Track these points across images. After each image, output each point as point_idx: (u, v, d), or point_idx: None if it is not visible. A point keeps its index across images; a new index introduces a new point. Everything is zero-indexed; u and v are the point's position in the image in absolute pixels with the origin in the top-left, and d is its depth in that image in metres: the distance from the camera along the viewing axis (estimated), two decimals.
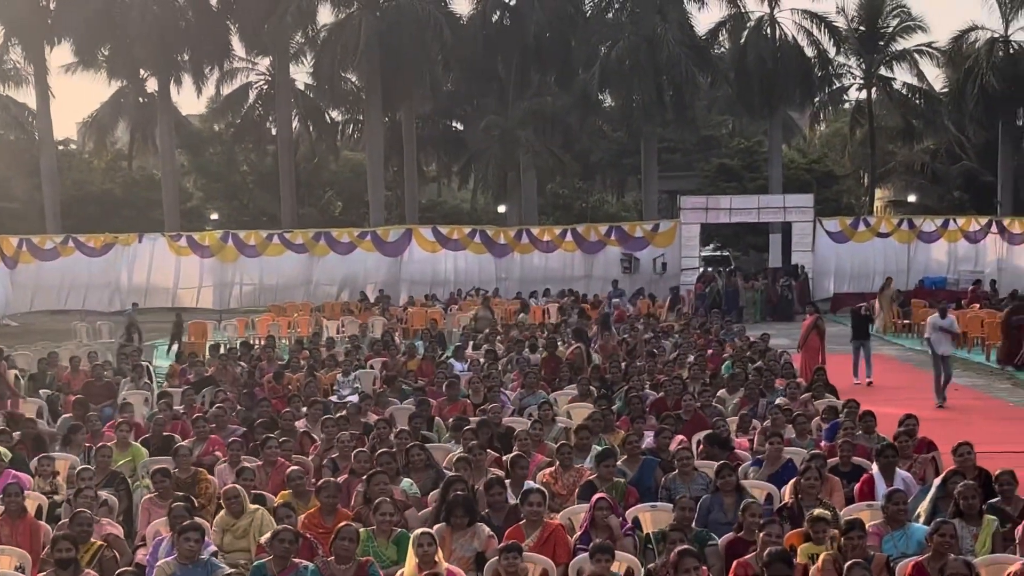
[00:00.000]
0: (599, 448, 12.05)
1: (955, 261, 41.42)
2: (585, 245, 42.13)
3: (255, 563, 8.89)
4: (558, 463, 11.65)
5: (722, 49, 52.38)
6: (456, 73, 52.40)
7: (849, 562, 7.95)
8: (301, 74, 55.60)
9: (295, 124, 56.07)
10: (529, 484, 10.67)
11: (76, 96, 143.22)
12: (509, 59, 49.96)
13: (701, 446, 12.77)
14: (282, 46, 50.96)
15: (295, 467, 11.41)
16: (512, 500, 10.44)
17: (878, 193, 60.70)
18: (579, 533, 9.71)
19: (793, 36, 50.07)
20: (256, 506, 10.30)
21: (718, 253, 52.21)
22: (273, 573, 8.57)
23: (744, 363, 18.86)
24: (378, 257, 42.15)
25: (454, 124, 61.49)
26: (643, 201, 53.10)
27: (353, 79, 53.22)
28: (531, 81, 51.49)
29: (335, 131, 60.13)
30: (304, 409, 15.29)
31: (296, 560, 8.69)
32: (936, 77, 55.33)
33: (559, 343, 22.62)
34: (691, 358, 19.84)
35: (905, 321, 34.28)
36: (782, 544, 8.67)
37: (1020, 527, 9.35)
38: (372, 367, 20.77)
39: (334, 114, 59.01)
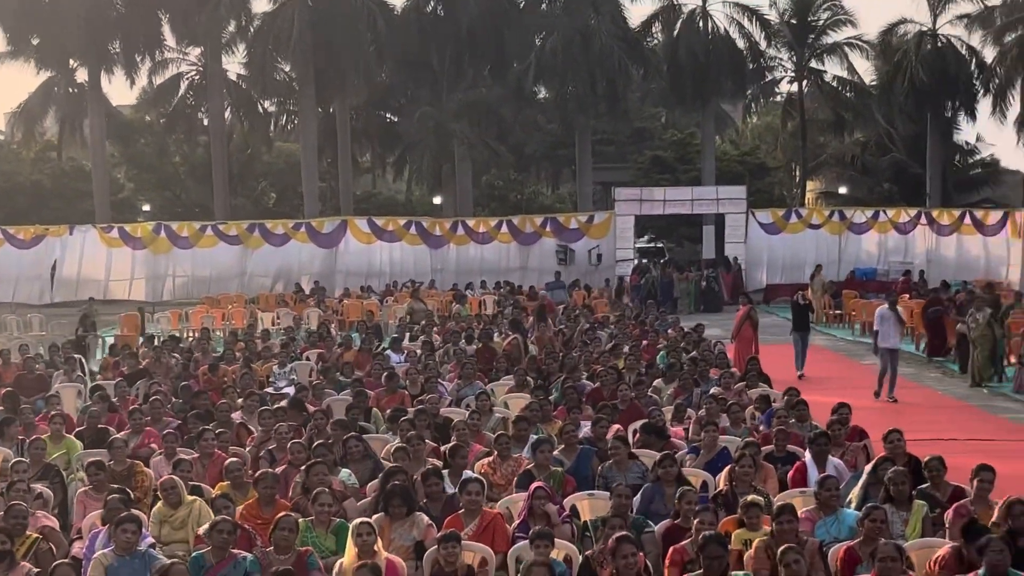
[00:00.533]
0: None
1: (885, 252, 42.05)
2: (521, 236, 42.23)
3: (194, 554, 8.87)
4: (496, 453, 11.73)
5: (655, 41, 52.56)
6: (390, 64, 52.12)
7: (783, 546, 8.08)
8: (233, 64, 55.05)
9: (227, 115, 55.55)
10: (468, 474, 10.73)
11: (4, 86, 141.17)
12: (443, 50, 49.81)
13: (637, 435, 12.89)
14: (214, 36, 50.48)
15: (233, 459, 11.38)
16: (450, 490, 10.49)
17: (809, 185, 61.29)
18: (518, 522, 9.79)
19: (725, 28, 50.46)
20: (194, 497, 10.27)
21: (652, 244, 52.52)
22: (212, 564, 8.56)
23: (679, 353, 19.11)
24: (313, 248, 41.99)
25: (388, 115, 61.22)
26: (578, 193, 53.26)
27: (286, 69, 52.86)
28: (465, 73, 51.38)
29: (268, 122, 59.64)
30: (240, 401, 15.24)
31: (235, 551, 8.69)
32: (866, 70, 56.06)
33: (495, 334, 22.70)
34: (626, 349, 19.96)
35: (837, 312, 34.74)
36: (716, 530, 8.78)
37: (949, 512, 9.56)
38: (308, 359, 20.71)
39: (267, 105, 58.57)
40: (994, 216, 42.15)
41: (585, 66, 47.89)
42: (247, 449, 12.79)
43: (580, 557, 8.99)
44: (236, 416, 14.36)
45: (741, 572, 8.22)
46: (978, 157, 61.52)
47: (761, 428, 13.22)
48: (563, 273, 39.78)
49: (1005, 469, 10.58)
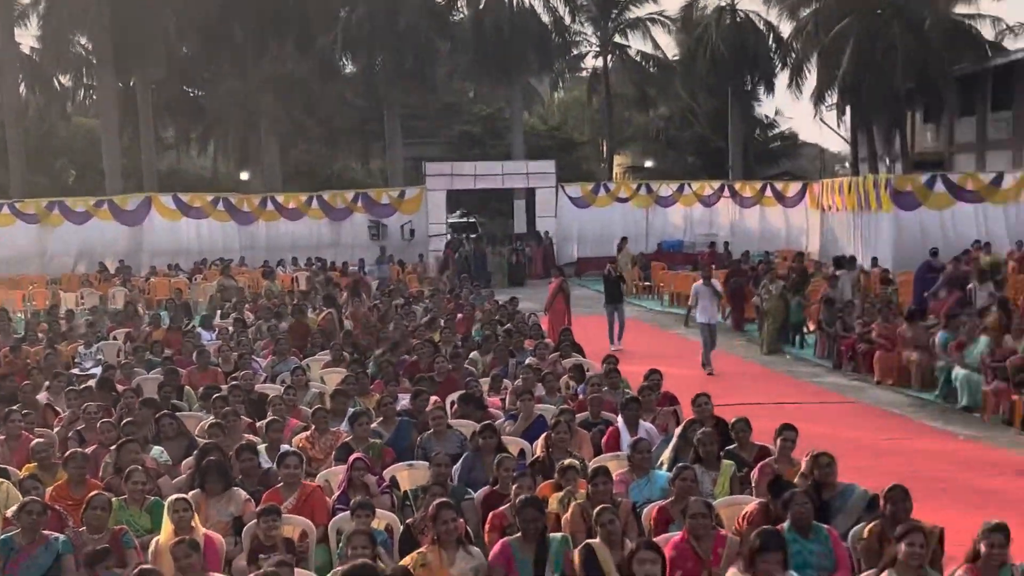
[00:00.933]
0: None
1: (691, 224, 43.05)
2: (331, 212, 41.87)
3: (1, 537, 8.59)
4: (314, 427, 11.69)
5: (461, 16, 52.71)
6: (192, 37, 50.91)
7: (598, 507, 8.26)
8: (27, 38, 52.91)
9: (22, 90, 53.42)
10: (285, 447, 10.68)
11: None
12: (246, 23, 48.89)
13: (455, 406, 13.02)
14: (6, 8, 48.51)
15: (39, 439, 11.08)
16: (267, 464, 10.43)
17: (617, 159, 62.30)
18: (337, 493, 9.80)
19: (530, 3, 50.87)
20: (0, 480, 9.96)
21: (465, 219, 52.72)
22: (21, 546, 8.32)
23: (494, 326, 19.29)
24: (116, 226, 40.83)
25: (192, 90, 59.80)
26: (388, 168, 53.07)
27: (83, 43, 51.16)
28: (269, 46, 50.46)
29: (65, 97, 57.69)
30: (46, 382, 14.83)
31: (46, 532, 8.45)
32: (668, 45, 57.19)
33: (309, 310, 22.55)
34: (442, 322, 20.12)
35: (646, 283, 35.52)
36: (533, 494, 8.92)
37: (755, 471, 9.93)
38: (115, 338, 20.25)
39: (64, 79, 56.59)
40: (794, 188, 43.59)
41: (392, 40, 47.73)
42: (55, 430, 12.45)
43: (401, 526, 9.05)
44: (42, 397, 13.99)
45: (559, 534, 8.38)
46: (777, 131, 63.51)
47: (580, 396, 13.48)
48: (377, 249, 39.70)
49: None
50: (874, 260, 31.25)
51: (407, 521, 8.99)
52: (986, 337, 17.35)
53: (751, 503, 8.97)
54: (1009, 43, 47.25)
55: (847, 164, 60.76)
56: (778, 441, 10.10)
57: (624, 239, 38.06)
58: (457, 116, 61.91)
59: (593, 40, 55.58)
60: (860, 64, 44.18)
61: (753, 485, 9.79)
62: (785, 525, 8.09)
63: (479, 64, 51.16)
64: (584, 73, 60.97)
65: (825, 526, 8.33)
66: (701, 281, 21.58)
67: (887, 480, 8.47)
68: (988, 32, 47.20)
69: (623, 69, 55.76)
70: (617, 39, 55.07)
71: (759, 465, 9.99)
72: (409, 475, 10.56)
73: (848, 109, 50.00)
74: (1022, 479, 13.32)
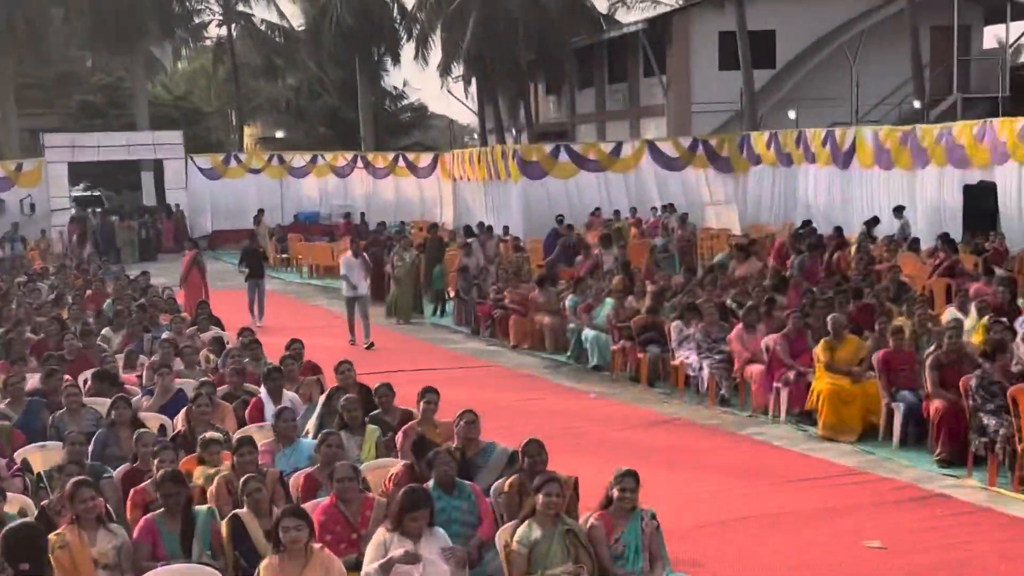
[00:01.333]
0: None
1: (326, 196, 42.88)
2: None
3: None
4: None
5: None
6: None
7: (244, 477, 8.23)
8: None
9: None
10: None
11: None
12: None
13: (89, 384, 12.59)
14: None
15: None
16: None
17: (247, 130, 61.32)
18: None
19: None
20: None
21: (90, 193, 50.60)
22: None
23: (127, 301, 18.77)
24: None
25: None
26: (3, 140, 50.18)
27: None
28: None
29: None
30: None
31: None
32: (293, 14, 56.55)
33: None
34: (70, 299, 19.41)
35: (284, 256, 35.28)
36: (175, 468, 8.76)
37: (399, 434, 10.13)
38: None
39: None
40: (425, 159, 44.14)
41: (2, 6, 45.13)
42: None
43: (36, 509, 8.69)
44: None
45: (204, 506, 8.28)
46: (406, 102, 64.28)
47: (221, 369, 13.31)
48: None
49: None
50: (505, 228, 32.20)
51: (42, 503, 8.65)
52: (611, 299, 18.28)
53: (397, 465, 9.15)
54: (622, 16, 49.51)
55: (476, 135, 62.20)
56: (421, 404, 10.32)
57: (261, 211, 37.69)
58: (76, 85, 59.07)
59: (216, 8, 54.49)
60: (483, 36, 45.19)
61: (398, 448, 9.99)
62: (430, 484, 8.31)
63: (96, 31, 48.80)
64: (209, 42, 59.55)
65: (469, 483, 8.61)
66: (350, 253, 21.61)
67: (527, 437, 8.81)
68: (602, 5, 49.39)
69: (248, 38, 54.77)
70: (241, 8, 54.16)
71: (403, 428, 10.20)
72: (42, 456, 10.14)
73: (474, 80, 51.12)
74: (649, 430, 14.18)
